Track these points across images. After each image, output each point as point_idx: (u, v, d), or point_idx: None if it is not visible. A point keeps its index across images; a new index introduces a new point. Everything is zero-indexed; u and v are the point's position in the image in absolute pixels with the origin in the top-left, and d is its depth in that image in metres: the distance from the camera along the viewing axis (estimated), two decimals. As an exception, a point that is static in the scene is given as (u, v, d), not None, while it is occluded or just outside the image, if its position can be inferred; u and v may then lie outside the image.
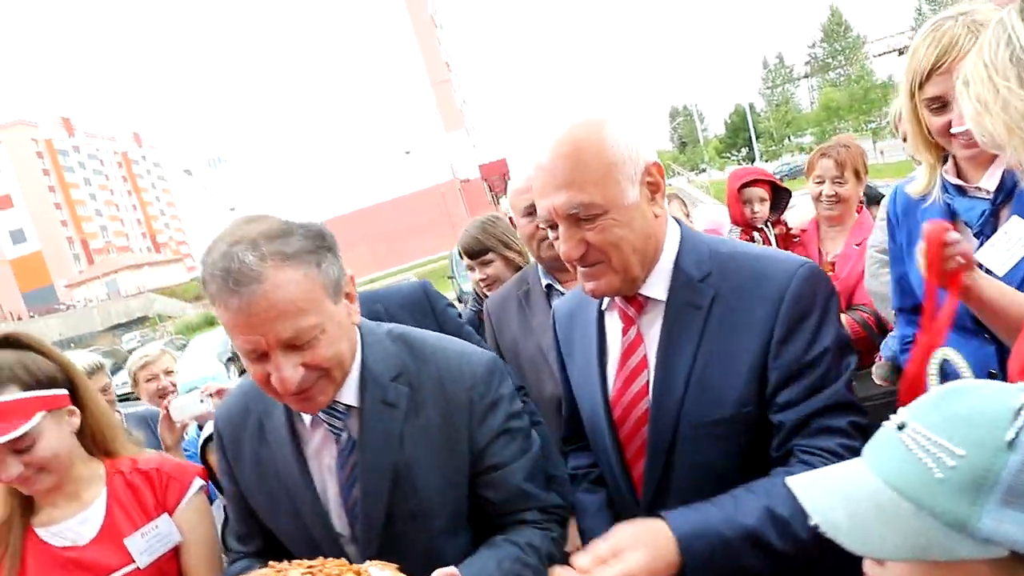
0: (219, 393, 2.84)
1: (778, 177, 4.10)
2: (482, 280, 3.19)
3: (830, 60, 71.13)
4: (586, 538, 1.73)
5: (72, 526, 1.76)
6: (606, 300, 1.69)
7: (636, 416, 1.59)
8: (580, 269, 1.55)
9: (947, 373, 1.69)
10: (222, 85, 50.97)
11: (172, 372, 3.81)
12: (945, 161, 1.88)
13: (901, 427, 0.92)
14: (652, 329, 1.58)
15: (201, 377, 3.61)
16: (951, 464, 0.84)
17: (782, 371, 1.44)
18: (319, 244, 1.44)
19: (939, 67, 1.73)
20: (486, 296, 3.17)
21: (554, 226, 1.53)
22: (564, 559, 1.55)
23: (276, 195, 48.03)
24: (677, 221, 1.66)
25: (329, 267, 1.44)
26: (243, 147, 51.93)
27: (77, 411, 1.79)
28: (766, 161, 57.20)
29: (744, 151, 68.48)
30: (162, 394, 3.67)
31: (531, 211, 2.21)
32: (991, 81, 1.24)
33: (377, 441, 1.54)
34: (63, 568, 1.72)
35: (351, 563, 1.34)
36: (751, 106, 64.93)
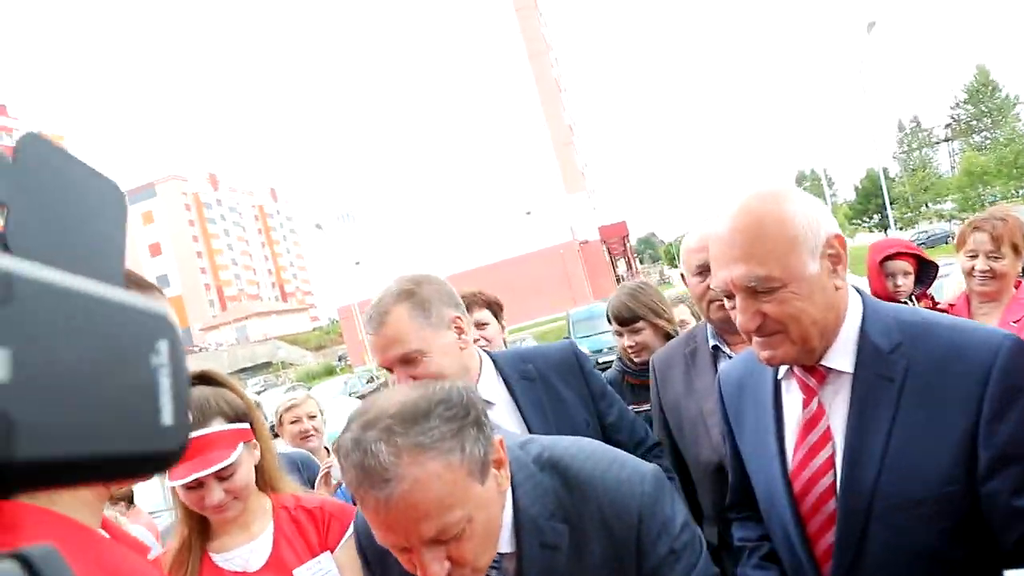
0: None
1: (919, 245, 3.81)
2: (630, 347, 3.20)
3: (975, 122, 67.55)
4: None
5: (243, 554, 1.88)
6: (783, 370, 1.65)
7: (819, 491, 1.54)
8: (756, 339, 1.53)
9: None
10: (355, 144, 53.68)
11: (315, 416, 4.00)
12: None
13: None
14: (836, 401, 1.53)
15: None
16: None
17: (997, 451, 1.34)
18: (462, 423, 1.28)
19: None
20: (633, 363, 3.23)
21: (731, 296, 1.51)
22: None
23: (400, 251, 49.59)
24: (858, 290, 1.60)
25: (474, 447, 1.29)
26: (371, 204, 54.15)
27: (258, 445, 1.93)
28: (900, 228, 54.38)
29: (876, 217, 65.45)
30: (303, 436, 3.91)
31: (703, 270, 2.21)
32: None
33: None
34: None
35: None
36: (884, 171, 62.15)
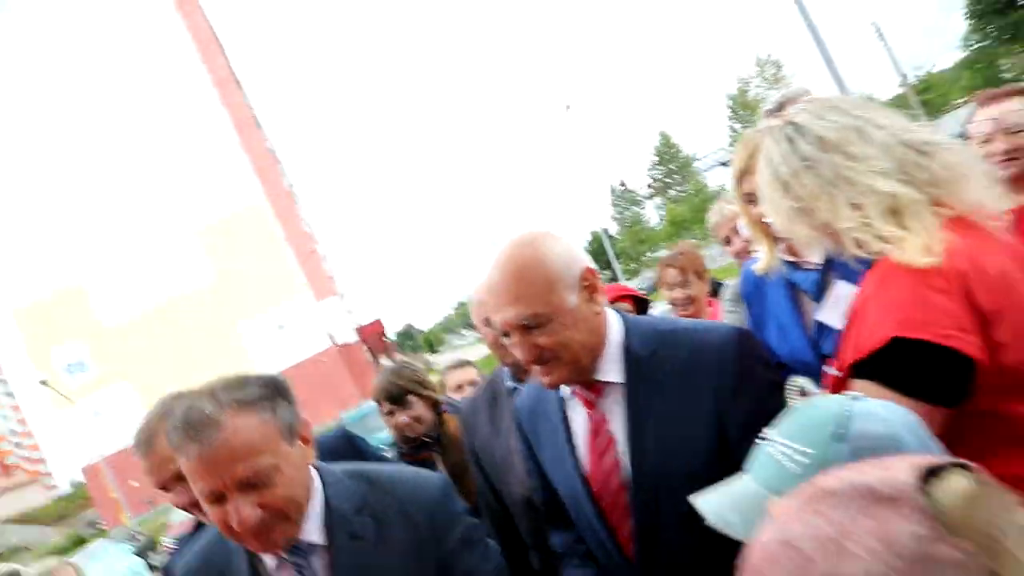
0: None
1: (643, 291, 4.53)
2: (404, 424, 3.29)
3: (667, 180, 77.45)
4: None
5: None
6: (566, 390, 1.89)
7: (613, 487, 1.79)
8: (535, 368, 1.77)
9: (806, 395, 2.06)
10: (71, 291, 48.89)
11: None
12: (778, 242, 2.23)
13: (767, 441, 1.19)
14: (614, 408, 1.81)
15: None
16: (804, 462, 1.10)
17: (740, 423, 1.67)
18: (274, 393, 1.56)
19: (747, 169, 2.17)
20: (409, 440, 3.32)
21: (508, 334, 1.74)
22: None
23: (145, 390, 45.40)
24: (618, 312, 1.91)
25: (283, 412, 1.56)
26: (102, 347, 49.23)
27: None
28: (628, 279, 60.28)
29: (608, 273, 72.16)
30: None
31: (488, 320, 2.41)
32: (768, 188, 1.67)
33: (349, 574, 1.59)
34: None
35: None
36: (605, 231, 68.90)
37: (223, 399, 1.47)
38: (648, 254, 74.41)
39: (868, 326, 1.50)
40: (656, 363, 1.77)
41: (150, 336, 48.65)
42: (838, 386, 1.64)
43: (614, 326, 1.84)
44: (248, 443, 1.45)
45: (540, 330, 1.68)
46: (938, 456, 0.95)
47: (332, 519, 1.62)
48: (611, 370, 1.79)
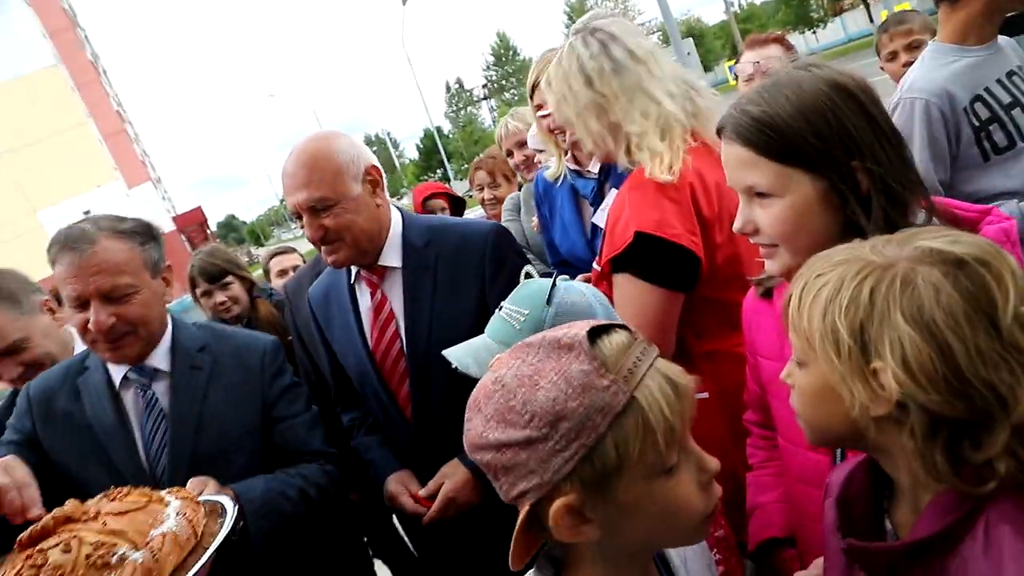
0: None
1: (468, 194, 4.78)
2: (221, 304, 3.40)
3: (503, 82, 76.93)
4: (372, 470, 2.21)
5: None
6: (354, 274, 2.18)
7: (393, 355, 2.12)
8: (323, 248, 2.05)
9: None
10: None
11: None
12: (567, 152, 2.58)
13: (500, 309, 1.55)
14: (394, 289, 2.12)
15: None
16: (522, 320, 1.48)
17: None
18: (146, 234, 1.88)
19: (537, 83, 2.44)
20: (224, 322, 3.36)
21: (299, 216, 2.01)
22: (336, 494, 2.02)
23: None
24: (398, 208, 2.21)
25: (151, 250, 1.88)
26: None
27: None
28: (460, 179, 60.16)
29: (440, 172, 71.62)
30: None
31: None
32: (566, 81, 1.90)
33: (184, 395, 1.88)
34: None
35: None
36: (439, 129, 68.01)
37: (101, 224, 1.78)
38: (481, 155, 74.41)
39: (620, 226, 1.83)
40: (429, 252, 2.09)
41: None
42: (599, 278, 1.96)
43: (395, 219, 2.13)
44: (114, 262, 1.75)
45: (326, 213, 1.95)
46: (607, 320, 1.30)
47: (176, 351, 1.91)
48: (391, 256, 2.10)
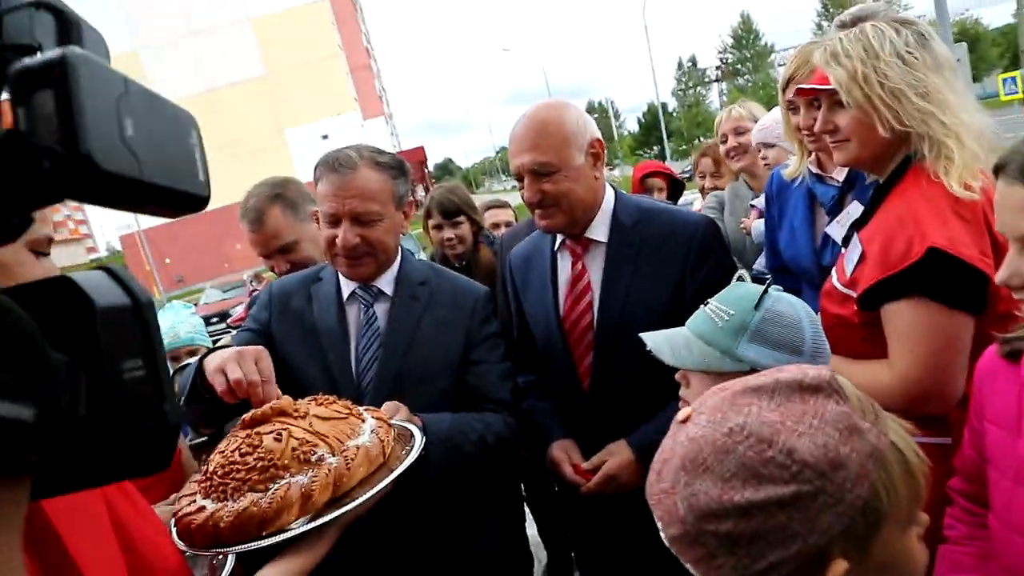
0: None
1: (685, 174, 4.78)
2: (449, 240, 3.58)
3: (739, 66, 73.90)
4: (540, 432, 2.27)
5: None
6: (558, 242, 2.24)
7: (582, 326, 2.16)
8: (537, 211, 2.12)
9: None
10: (112, 47, 48.94)
11: None
12: (811, 153, 2.43)
13: (706, 305, 1.55)
14: (595, 263, 2.16)
15: (185, 337, 3.86)
16: (726, 319, 1.47)
17: (695, 288, 2.02)
18: (399, 169, 2.04)
19: (794, 77, 2.33)
20: (445, 259, 3.58)
21: (521, 178, 2.09)
22: (515, 443, 2.10)
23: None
24: (612, 186, 2.23)
25: (401, 186, 2.04)
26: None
27: None
28: (676, 159, 58.96)
29: (656, 149, 70.55)
30: None
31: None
32: (871, 59, 1.71)
33: (399, 319, 2.05)
34: None
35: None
36: (663, 106, 66.73)
37: (364, 154, 1.97)
38: (701, 138, 72.33)
39: (901, 241, 1.65)
40: (636, 233, 2.11)
41: (200, 121, 49.07)
42: (842, 300, 1.82)
43: (608, 195, 2.17)
44: (369, 189, 1.93)
45: (547, 178, 2.03)
46: (812, 343, 1.38)
47: (401, 279, 2.09)
48: (599, 231, 2.14)
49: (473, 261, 3.63)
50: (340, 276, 2.11)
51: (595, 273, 2.16)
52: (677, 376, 1.58)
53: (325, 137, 49.11)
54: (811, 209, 2.50)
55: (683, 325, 1.96)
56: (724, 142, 3.60)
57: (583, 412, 2.20)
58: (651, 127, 72.61)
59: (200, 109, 50.09)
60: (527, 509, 3.69)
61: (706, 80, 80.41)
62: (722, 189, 3.91)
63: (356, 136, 49.16)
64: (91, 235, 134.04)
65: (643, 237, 2.11)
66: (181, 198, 0.48)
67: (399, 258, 2.13)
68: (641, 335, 1.59)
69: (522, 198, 2.13)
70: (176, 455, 2.20)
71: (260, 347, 1.63)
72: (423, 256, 3.22)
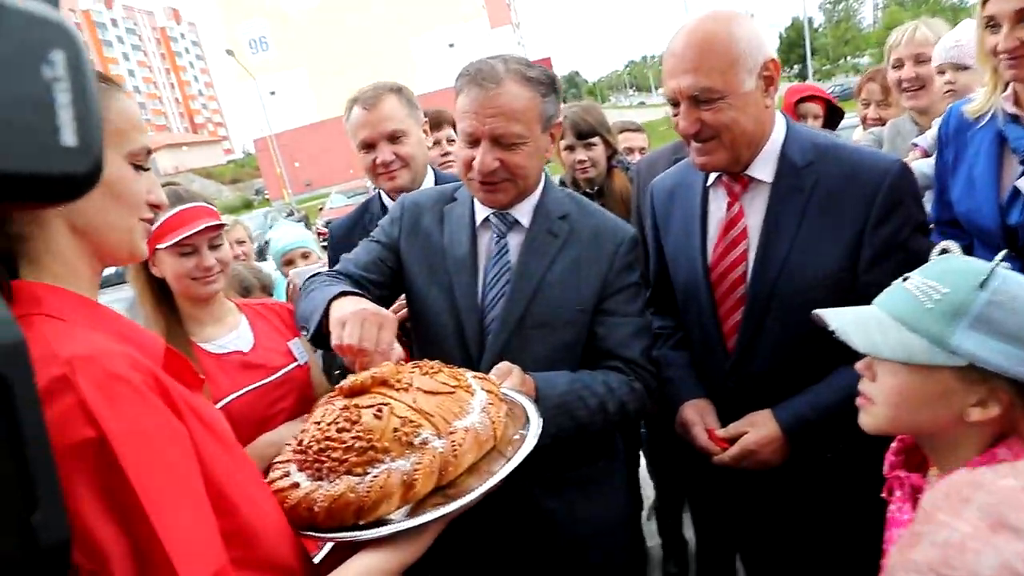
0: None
1: (835, 98, 4.17)
2: (581, 163, 3.29)
3: (902, -24, 67.22)
4: (669, 388, 2.03)
5: (231, 340, 2.12)
6: (712, 177, 1.92)
7: (733, 278, 1.86)
8: (694, 144, 1.79)
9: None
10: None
11: (244, 243, 4.02)
12: (1008, 86, 1.96)
13: (906, 279, 1.25)
14: (754, 205, 1.83)
15: (297, 240, 3.90)
16: (937, 298, 1.17)
17: (876, 248, 1.69)
18: (549, 85, 1.80)
19: None
20: (576, 183, 3.33)
21: (676, 103, 1.76)
22: (640, 412, 1.88)
23: (319, 81, 47.61)
24: (784, 116, 1.87)
25: (549, 104, 1.80)
26: (286, 31, 51.14)
27: None
28: (818, 80, 55.14)
29: (797, 68, 66.05)
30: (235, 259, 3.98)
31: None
32: None
33: (532, 255, 1.84)
34: (240, 368, 2.07)
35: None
36: (809, 20, 61.99)
37: (511, 66, 1.74)
38: (848, 58, 67.13)
39: None
40: (809, 174, 1.77)
41: (327, 29, 49.83)
42: None
43: (778, 127, 1.83)
44: (512, 108, 1.71)
45: (709, 106, 1.70)
46: None
47: (539, 211, 1.88)
48: (763, 168, 1.80)
49: (606, 187, 3.33)
50: (475, 199, 1.92)
51: (754, 218, 1.83)
52: (859, 366, 1.30)
53: (451, 46, 48.76)
54: (999, 156, 2.01)
55: (853, 290, 1.72)
56: (898, 67, 3.04)
57: (723, 376, 1.92)
58: (793, 43, 67.64)
59: (330, 20, 51.08)
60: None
61: (860, -8, 73.89)
62: (887, 120, 3.38)
63: (482, 44, 48.55)
64: (228, 138, 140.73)
65: (817, 180, 1.76)
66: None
67: (541, 186, 1.92)
68: (820, 312, 1.33)
69: (675, 127, 1.80)
70: (304, 373, 2.16)
71: (389, 315, 1.55)
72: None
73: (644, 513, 3.85)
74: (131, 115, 1.11)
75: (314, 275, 1.94)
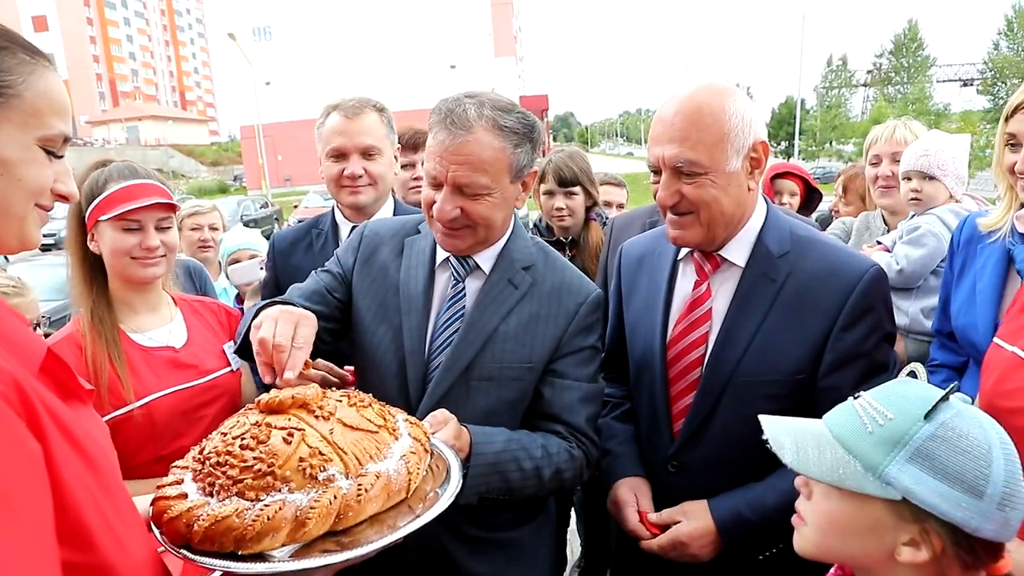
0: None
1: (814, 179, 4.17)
2: (559, 210, 3.21)
3: (893, 74, 68.99)
4: (607, 459, 1.95)
5: (162, 334, 2.00)
6: (683, 252, 1.86)
7: (689, 360, 1.79)
8: (670, 216, 1.73)
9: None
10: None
11: (217, 229, 3.96)
12: (1021, 207, 1.92)
13: (856, 398, 1.19)
14: (723, 288, 1.77)
15: (245, 242, 3.80)
16: (880, 423, 1.11)
17: (838, 352, 1.64)
18: (525, 134, 1.70)
19: (1021, 107, 1.82)
20: (552, 232, 3.26)
21: (658, 172, 1.70)
22: (575, 482, 1.80)
23: (314, 78, 47.42)
24: (766, 200, 1.82)
25: (521, 154, 1.71)
26: (291, 23, 51.01)
27: None
28: (803, 160, 56.39)
29: (784, 144, 67.55)
30: (202, 245, 3.88)
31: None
32: None
33: (489, 304, 1.76)
34: (169, 366, 1.95)
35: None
36: (802, 101, 63.52)
37: (486, 113, 1.65)
38: (833, 143, 68.86)
39: None
40: (783, 265, 1.71)
41: (331, 30, 49.78)
42: None
43: (758, 211, 1.78)
44: (481, 159, 1.63)
45: (691, 179, 1.64)
46: (1005, 477, 1.01)
47: (503, 258, 1.80)
48: (737, 251, 1.75)
49: (582, 238, 3.25)
50: None
51: (720, 301, 1.77)
52: (798, 482, 1.23)
53: (453, 67, 49.00)
54: (1004, 274, 1.97)
55: (810, 392, 1.67)
56: (875, 164, 3.04)
57: (664, 459, 1.85)
58: (783, 121, 69.19)
59: (327, 18, 50.72)
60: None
61: (854, 83, 76.09)
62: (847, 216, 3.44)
63: (483, 72, 48.86)
64: (216, 119, 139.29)
65: (791, 272, 1.71)
66: None
67: (509, 231, 1.84)
68: (762, 418, 1.25)
69: (653, 194, 1.74)
70: (236, 380, 2.07)
71: (308, 314, 1.52)
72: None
73: (567, 573, 3.77)
74: (53, 97, 1.02)
75: (256, 304, 1.85)
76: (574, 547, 3.82)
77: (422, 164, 3.28)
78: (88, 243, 1.92)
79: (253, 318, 1.58)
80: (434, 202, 1.69)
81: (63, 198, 1.07)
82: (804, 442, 1.17)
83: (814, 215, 4.17)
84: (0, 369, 0.84)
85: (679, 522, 1.74)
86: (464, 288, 1.80)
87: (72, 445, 0.91)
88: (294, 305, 1.70)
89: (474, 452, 1.56)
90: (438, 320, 1.78)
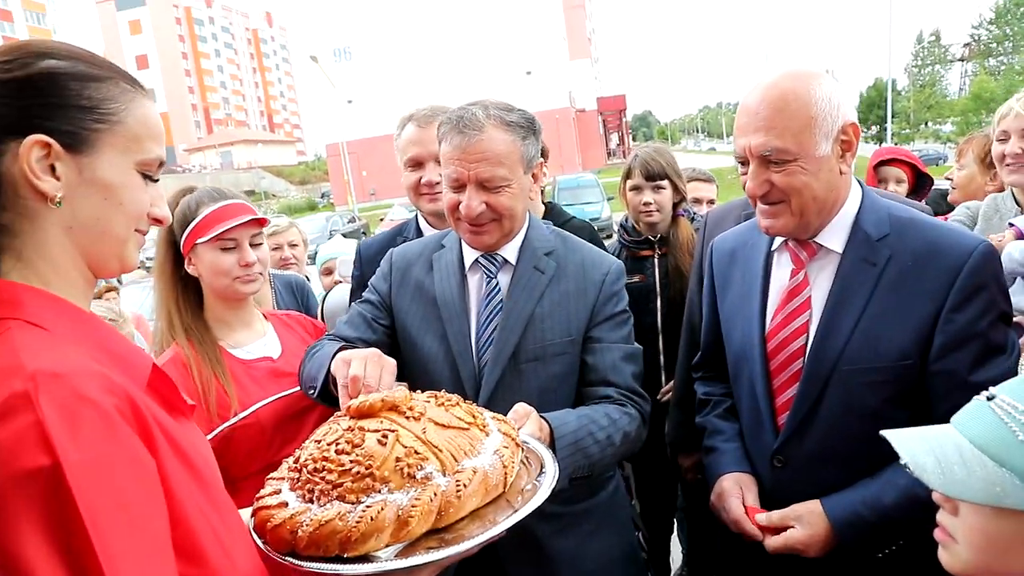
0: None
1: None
2: (647, 205, 3.13)
3: (995, 45, 64.68)
4: (712, 457, 1.92)
5: (259, 346, 2.10)
6: (777, 242, 1.81)
7: (790, 351, 1.73)
8: (760, 206, 1.69)
9: None
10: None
11: (296, 246, 4.00)
12: None
13: (991, 398, 1.05)
14: (821, 276, 1.72)
15: (337, 251, 3.93)
16: None
17: (950, 335, 1.55)
18: (529, 127, 1.85)
19: None
20: (637, 229, 3.20)
21: (745, 162, 1.67)
22: (639, 439, 1.83)
23: (394, 94, 48.52)
24: (860, 183, 1.75)
25: (530, 146, 1.85)
26: (370, 42, 52.33)
27: None
28: (896, 144, 53.83)
29: (875, 129, 64.60)
30: (283, 264, 3.90)
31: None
32: None
33: (522, 292, 1.87)
34: (270, 376, 2.04)
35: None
36: (893, 82, 60.55)
37: (491, 112, 1.80)
38: (930, 124, 65.42)
39: None
40: (883, 248, 1.65)
41: (408, 46, 50.78)
42: None
43: (853, 195, 1.72)
44: (496, 152, 1.76)
45: (780, 167, 1.61)
46: None
47: (525, 249, 1.92)
48: (833, 237, 1.70)
49: (671, 235, 3.16)
50: (463, 243, 1.95)
51: (819, 289, 1.71)
52: (937, 498, 1.10)
53: (528, 73, 49.19)
54: None
55: (921, 378, 1.58)
56: (1003, 140, 2.82)
57: (770, 455, 1.78)
58: (873, 104, 66.12)
59: (404, 35, 51.87)
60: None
61: (949, 58, 72.07)
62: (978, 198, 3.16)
63: (559, 75, 48.86)
64: (302, 140, 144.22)
65: (892, 255, 1.63)
66: None
67: (526, 224, 1.97)
68: (888, 435, 1.13)
69: (742, 185, 1.70)
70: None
71: (391, 361, 1.58)
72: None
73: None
74: (150, 124, 1.06)
75: (314, 344, 1.96)
76: (675, 555, 3.71)
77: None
78: (186, 267, 2.02)
79: (331, 360, 1.64)
80: (458, 203, 1.80)
81: (158, 221, 1.11)
82: (947, 459, 1.05)
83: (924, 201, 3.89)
84: (114, 384, 0.87)
85: (791, 527, 1.66)
86: (498, 283, 1.91)
87: (181, 459, 0.94)
88: (350, 343, 1.85)
89: (556, 436, 1.59)
90: (479, 319, 1.89)
